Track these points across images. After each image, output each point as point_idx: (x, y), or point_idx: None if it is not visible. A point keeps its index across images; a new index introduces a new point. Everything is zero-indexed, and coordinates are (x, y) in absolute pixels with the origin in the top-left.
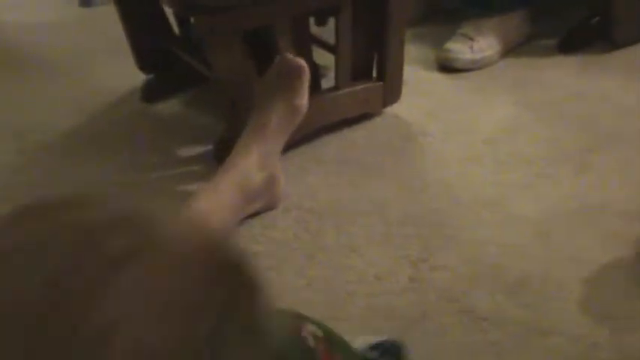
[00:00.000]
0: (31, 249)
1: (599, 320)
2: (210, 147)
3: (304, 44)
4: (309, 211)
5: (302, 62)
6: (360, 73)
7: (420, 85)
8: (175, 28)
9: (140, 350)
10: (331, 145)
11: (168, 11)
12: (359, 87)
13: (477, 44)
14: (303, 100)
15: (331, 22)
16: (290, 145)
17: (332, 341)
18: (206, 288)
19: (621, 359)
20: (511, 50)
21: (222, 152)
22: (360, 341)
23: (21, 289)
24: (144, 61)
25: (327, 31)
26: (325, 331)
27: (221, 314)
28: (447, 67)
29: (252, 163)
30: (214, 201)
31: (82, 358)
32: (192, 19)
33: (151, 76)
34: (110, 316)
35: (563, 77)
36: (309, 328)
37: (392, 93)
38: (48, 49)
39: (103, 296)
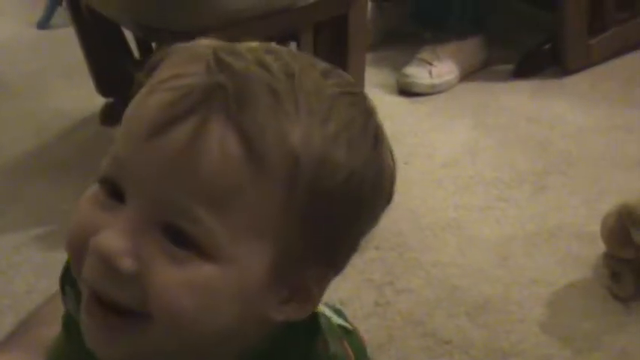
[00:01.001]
0: None
1: (561, 341)
2: None
3: None
4: None
5: None
6: None
7: (381, 108)
8: (135, 51)
9: None
10: None
11: (128, 34)
12: None
13: (436, 69)
14: None
15: (292, 46)
16: None
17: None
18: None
19: None
20: (468, 75)
21: None
22: None
23: None
24: (103, 85)
25: None
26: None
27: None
28: (407, 91)
29: None
30: None
31: None
32: (154, 44)
33: (110, 99)
34: None
35: (519, 101)
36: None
37: None
38: (5, 71)
39: None
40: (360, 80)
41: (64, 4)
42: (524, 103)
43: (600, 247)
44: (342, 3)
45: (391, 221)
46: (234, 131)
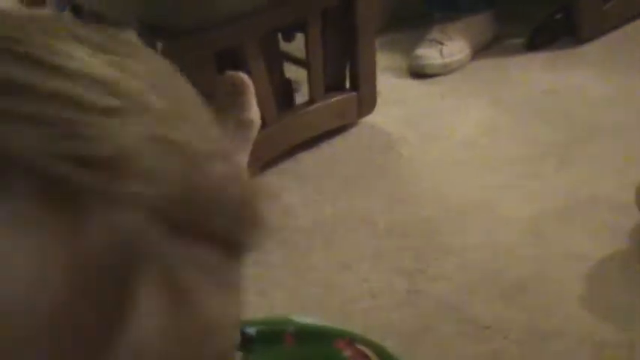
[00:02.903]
0: None
1: (603, 317)
2: None
3: (275, 61)
4: (296, 230)
5: (243, 76)
6: (333, 86)
7: (394, 93)
8: None
9: None
10: (310, 160)
11: None
12: (333, 99)
13: (447, 48)
14: (251, 113)
15: (299, 36)
16: (267, 164)
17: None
18: None
19: (631, 355)
20: (480, 52)
21: None
22: None
23: None
24: None
25: (293, 45)
26: (378, 350)
27: None
28: (419, 73)
29: None
30: None
31: None
32: (159, 44)
33: None
34: None
35: (534, 75)
36: (357, 347)
37: (367, 103)
38: None
39: None
40: (371, 65)
41: (67, 10)
42: (540, 76)
43: (635, 217)
44: None
45: (416, 207)
46: None
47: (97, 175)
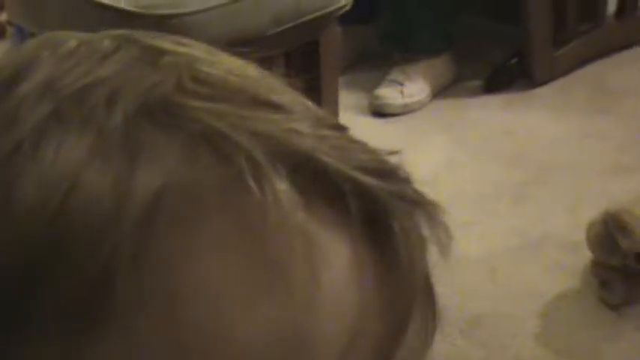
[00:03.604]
0: None
1: (558, 353)
2: None
3: None
4: None
5: None
6: None
7: (355, 130)
8: None
9: None
10: None
11: None
12: None
13: (407, 89)
14: None
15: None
16: None
17: None
18: None
19: None
20: (439, 92)
21: None
22: None
23: None
24: None
25: None
26: None
27: None
28: (380, 112)
29: None
30: None
31: None
32: None
33: None
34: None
35: (491, 115)
36: None
37: None
38: None
39: None
40: (334, 103)
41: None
42: (497, 117)
43: (586, 255)
44: (313, 29)
45: None
46: None
47: (396, 185)
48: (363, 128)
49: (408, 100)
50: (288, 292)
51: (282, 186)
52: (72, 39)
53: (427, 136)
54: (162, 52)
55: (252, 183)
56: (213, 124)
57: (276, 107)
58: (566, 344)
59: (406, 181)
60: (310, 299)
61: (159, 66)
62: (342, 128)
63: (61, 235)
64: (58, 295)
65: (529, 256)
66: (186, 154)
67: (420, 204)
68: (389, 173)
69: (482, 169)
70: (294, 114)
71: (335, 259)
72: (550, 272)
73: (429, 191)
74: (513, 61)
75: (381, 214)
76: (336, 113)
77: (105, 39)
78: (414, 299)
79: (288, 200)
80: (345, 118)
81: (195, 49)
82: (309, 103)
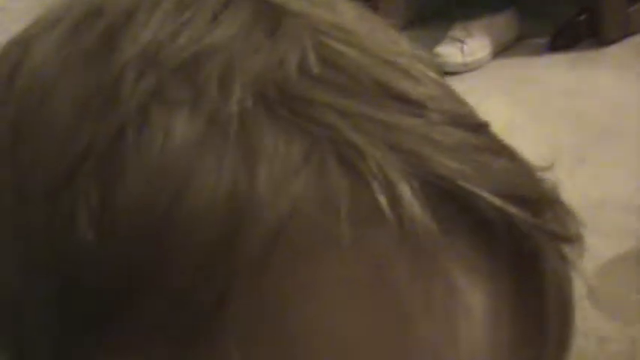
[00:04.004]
0: None
1: (610, 313)
2: None
3: None
4: None
5: None
6: None
7: None
8: None
9: None
10: None
11: None
12: None
13: (468, 46)
14: None
15: None
16: None
17: None
18: None
19: (632, 351)
20: (501, 51)
21: None
22: None
23: None
24: None
25: None
26: None
27: None
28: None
29: None
30: None
31: None
32: None
33: None
34: None
35: (555, 75)
36: None
37: None
38: None
39: None
40: None
41: None
42: (562, 77)
43: None
44: None
45: None
46: None
47: (547, 217)
48: None
49: (468, 59)
50: (419, 349)
51: (424, 221)
52: None
53: (487, 95)
54: (280, 13)
55: (390, 215)
56: (345, 131)
57: (413, 104)
58: (618, 305)
59: (557, 205)
60: (444, 356)
61: (278, 35)
62: (482, 126)
63: (167, 249)
64: (160, 313)
65: (587, 218)
66: (315, 169)
67: (569, 239)
68: (539, 199)
69: (543, 130)
70: (432, 112)
71: (475, 308)
72: (608, 235)
73: None
74: (581, 17)
75: (530, 252)
76: None
77: None
78: (564, 342)
79: (430, 239)
80: None
81: (317, 3)
82: (443, 84)
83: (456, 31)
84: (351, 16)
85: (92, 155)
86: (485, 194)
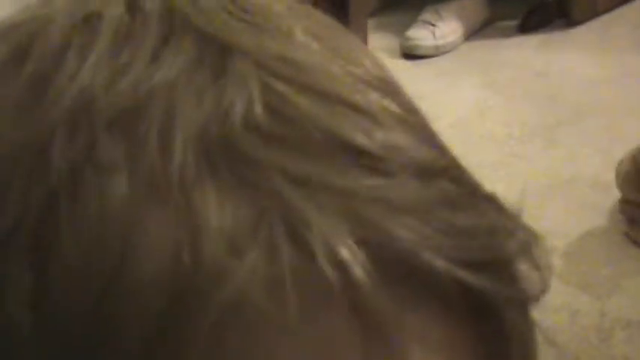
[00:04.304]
0: None
1: (580, 288)
2: None
3: None
4: None
5: None
6: None
7: None
8: None
9: None
10: None
11: None
12: None
13: (439, 30)
14: None
15: None
16: None
17: None
18: None
19: (601, 324)
20: (472, 33)
21: None
22: None
23: None
24: None
25: None
26: None
27: None
28: (411, 54)
29: None
30: None
31: None
32: None
33: None
34: None
35: (526, 56)
36: None
37: None
38: None
39: None
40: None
41: None
42: (532, 58)
43: (616, 195)
44: None
45: None
46: None
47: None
48: (394, 71)
49: (440, 42)
50: None
51: (376, 297)
52: (106, 18)
53: (459, 78)
54: (225, 49)
55: (339, 293)
56: (293, 199)
57: (370, 158)
58: (587, 280)
59: (523, 259)
60: None
61: (223, 78)
62: (447, 170)
63: (105, 329)
64: None
65: (557, 195)
66: (262, 245)
67: (532, 298)
68: (501, 260)
69: (514, 111)
70: (391, 165)
71: None
72: (577, 211)
73: (458, 133)
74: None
75: (491, 317)
76: None
77: (147, 19)
78: None
79: (382, 315)
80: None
81: (266, 32)
82: (407, 119)
83: (427, 15)
84: (305, 41)
85: (22, 228)
86: (440, 262)
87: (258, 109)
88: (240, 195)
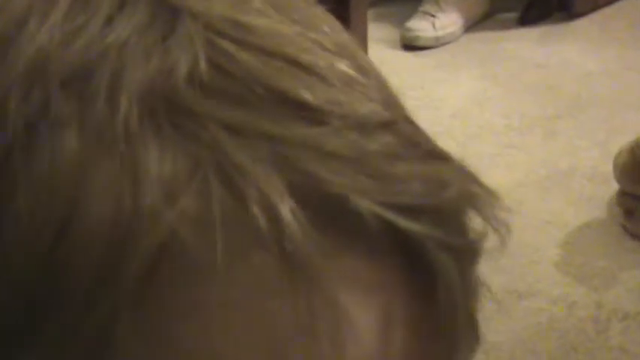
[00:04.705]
0: None
1: (576, 279)
2: None
3: None
4: None
5: None
6: None
7: (385, 64)
8: None
9: None
10: None
11: None
12: None
13: (439, 21)
14: None
15: None
16: None
17: None
18: None
19: (598, 315)
20: (472, 25)
21: None
22: None
23: None
24: None
25: None
26: None
27: None
28: (411, 45)
29: None
30: None
31: None
32: None
33: None
34: None
35: (526, 48)
36: None
37: None
38: None
39: None
40: (363, 36)
41: None
42: (532, 50)
43: (614, 187)
44: None
45: None
46: None
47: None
48: (394, 62)
49: (440, 33)
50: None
51: (305, 242)
52: None
53: (459, 69)
54: (177, 13)
55: (269, 238)
56: (229, 148)
57: (310, 111)
58: (584, 272)
59: (465, 209)
60: None
61: (171, 39)
62: (390, 124)
63: (57, 275)
64: (52, 348)
65: (555, 187)
66: (196, 190)
67: (471, 249)
68: (439, 208)
69: (514, 102)
70: (331, 118)
71: (362, 324)
72: (576, 203)
73: (458, 123)
74: None
75: (424, 264)
76: (365, 46)
77: None
78: (453, 348)
79: (311, 259)
80: (375, 51)
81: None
82: (354, 77)
83: (427, 6)
84: (261, 7)
85: None
86: (375, 207)
87: (202, 65)
88: (180, 146)
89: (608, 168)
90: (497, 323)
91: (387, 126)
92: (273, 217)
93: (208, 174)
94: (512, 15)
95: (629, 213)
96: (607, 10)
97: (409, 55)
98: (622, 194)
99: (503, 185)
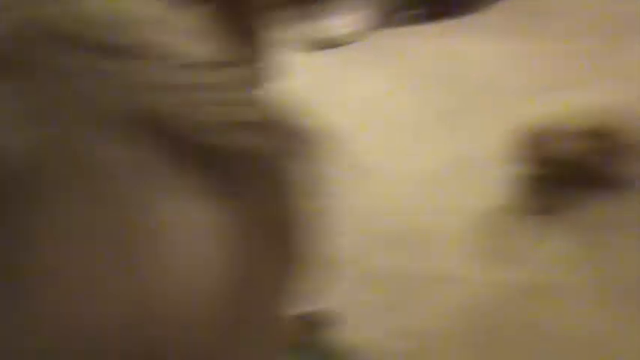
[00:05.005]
0: None
1: (488, 261)
2: None
3: None
4: None
5: None
6: None
7: (295, 64)
8: None
9: None
10: None
11: None
12: None
13: (346, 20)
14: None
15: None
16: None
17: None
18: None
19: (514, 292)
20: (380, 23)
21: None
22: None
23: None
24: None
25: None
26: None
27: None
28: (318, 45)
29: None
30: None
31: None
32: None
33: None
34: None
35: (432, 43)
36: None
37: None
38: None
39: None
40: (269, 37)
41: None
42: (438, 44)
43: (516, 170)
44: None
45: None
46: None
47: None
48: (304, 61)
49: (347, 31)
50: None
51: (112, 152)
52: None
53: (366, 67)
54: None
55: (80, 148)
56: (51, 78)
57: (132, 49)
58: (493, 254)
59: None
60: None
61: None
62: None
63: None
64: None
65: (463, 175)
66: (29, 112)
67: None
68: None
69: (421, 96)
70: (149, 59)
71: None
72: (482, 188)
73: (368, 119)
74: None
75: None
76: (273, 48)
77: None
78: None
79: (119, 167)
80: (281, 52)
81: None
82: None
83: (334, 5)
84: None
85: None
86: (177, 121)
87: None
88: (22, 77)
89: (511, 152)
90: (417, 309)
91: (196, 67)
92: (83, 134)
93: (38, 100)
94: (418, 11)
95: (530, 192)
96: (511, 2)
97: (318, 54)
98: (522, 176)
99: (415, 176)
